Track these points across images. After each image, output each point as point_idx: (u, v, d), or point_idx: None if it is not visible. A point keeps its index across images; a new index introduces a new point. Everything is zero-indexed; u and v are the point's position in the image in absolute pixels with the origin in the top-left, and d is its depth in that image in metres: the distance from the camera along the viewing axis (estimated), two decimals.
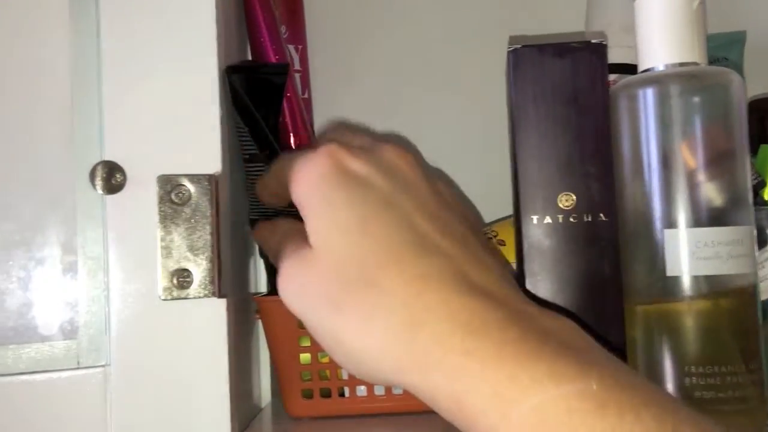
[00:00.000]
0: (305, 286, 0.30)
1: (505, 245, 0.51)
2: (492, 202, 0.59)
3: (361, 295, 0.28)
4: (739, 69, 0.59)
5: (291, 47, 0.61)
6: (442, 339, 0.26)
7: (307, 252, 0.30)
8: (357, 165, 0.31)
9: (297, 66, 0.62)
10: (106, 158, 0.37)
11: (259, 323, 0.56)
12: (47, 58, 0.38)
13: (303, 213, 0.31)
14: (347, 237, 0.29)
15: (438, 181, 0.33)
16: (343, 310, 0.28)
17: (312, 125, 0.62)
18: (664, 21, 0.41)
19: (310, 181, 0.30)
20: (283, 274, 0.31)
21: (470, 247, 0.30)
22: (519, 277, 0.44)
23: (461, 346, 0.26)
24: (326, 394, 0.49)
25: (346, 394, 0.49)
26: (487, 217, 0.59)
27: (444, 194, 0.33)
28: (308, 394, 0.50)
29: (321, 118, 0.63)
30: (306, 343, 0.49)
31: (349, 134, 0.34)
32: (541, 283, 0.42)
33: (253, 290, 0.56)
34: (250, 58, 0.56)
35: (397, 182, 0.31)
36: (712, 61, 0.57)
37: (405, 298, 0.28)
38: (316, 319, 0.29)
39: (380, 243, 0.29)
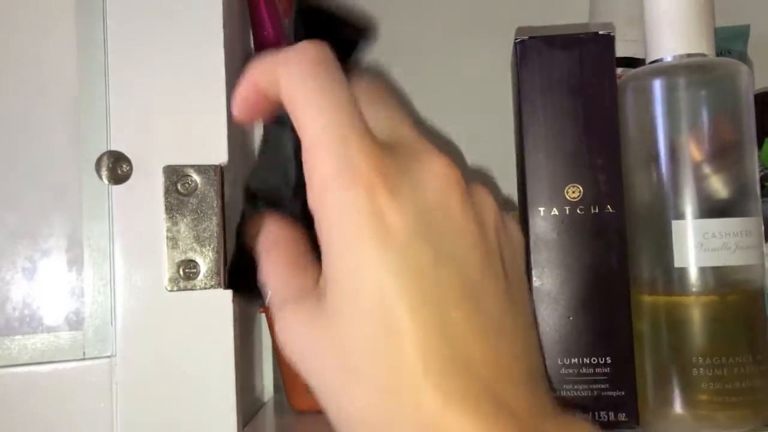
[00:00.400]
0: (307, 346, 0.26)
1: None
2: (497, 195, 0.58)
3: (369, 391, 0.25)
4: (743, 62, 0.59)
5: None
6: None
7: (314, 309, 0.26)
8: (397, 216, 0.25)
9: None
10: (112, 148, 0.37)
11: (263, 317, 0.56)
12: (53, 48, 0.38)
13: (322, 241, 0.26)
14: (370, 318, 0.25)
15: (483, 206, 0.28)
16: (346, 393, 0.25)
17: None
18: (672, 12, 0.41)
19: (338, 214, 0.25)
20: (283, 320, 0.27)
21: (504, 345, 0.26)
22: (526, 269, 0.44)
23: None
24: None
25: None
26: None
27: (490, 230, 0.28)
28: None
29: None
30: None
31: (382, 108, 0.28)
32: (548, 275, 0.42)
33: None
34: (253, 52, 0.55)
35: (441, 243, 0.26)
36: (717, 54, 0.57)
37: (426, 406, 0.24)
38: (312, 376, 0.26)
39: (407, 335, 0.24)
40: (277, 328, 0.27)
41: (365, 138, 0.25)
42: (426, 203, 0.26)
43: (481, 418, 0.24)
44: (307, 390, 0.48)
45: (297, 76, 0.25)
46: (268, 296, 0.29)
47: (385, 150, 0.26)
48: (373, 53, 0.64)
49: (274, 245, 0.29)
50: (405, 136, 0.28)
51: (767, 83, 0.59)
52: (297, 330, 0.27)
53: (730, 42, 0.59)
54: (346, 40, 0.31)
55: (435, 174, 0.26)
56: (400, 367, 0.24)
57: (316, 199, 0.26)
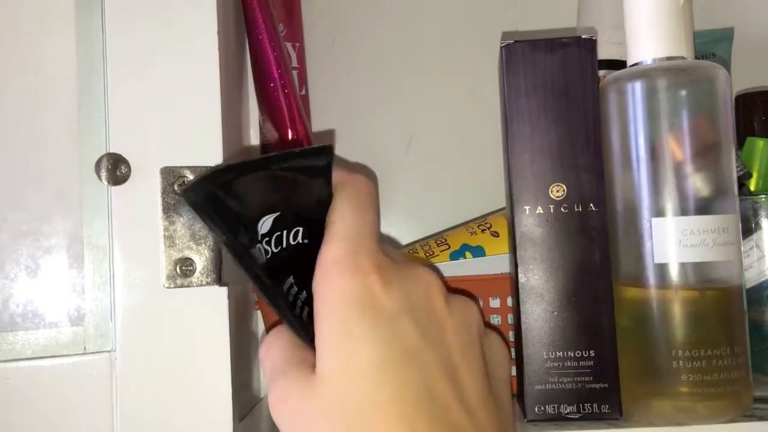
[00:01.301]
0: (301, 415, 0.28)
1: (498, 236, 0.52)
2: (486, 194, 0.60)
3: None
4: (726, 65, 0.60)
5: (289, 45, 0.63)
6: None
7: (310, 377, 0.29)
8: (388, 298, 0.29)
9: (295, 63, 0.63)
10: (112, 150, 0.38)
11: (259, 315, 0.57)
12: (54, 53, 0.39)
13: (317, 320, 0.29)
14: (360, 380, 0.28)
15: (463, 312, 0.32)
16: None
17: (309, 121, 0.63)
18: (651, 16, 0.43)
19: (334, 296, 0.29)
20: (278, 390, 0.30)
21: (481, 414, 0.30)
22: (513, 265, 0.45)
23: None
24: None
25: None
26: (482, 209, 0.60)
27: (471, 330, 0.32)
28: None
29: (318, 114, 0.64)
30: None
31: (365, 216, 0.32)
32: (533, 271, 0.43)
33: None
34: (248, 56, 0.57)
35: (426, 328, 0.30)
36: (701, 57, 0.59)
37: None
38: None
39: (393, 400, 0.27)
40: (271, 394, 0.30)
41: (373, 243, 0.31)
42: (413, 297, 0.30)
43: None
44: None
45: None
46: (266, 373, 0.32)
47: (385, 255, 0.31)
48: (369, 58, 0.66)
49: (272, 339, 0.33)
50: (400, 254, 0.33)
51: (751, 85, 0.61)
52: (289, 395, 0.29)
53: (714, 45, 0.60)
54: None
55: (422, 279, 0.31)
56: (387, 426, 0.27)
57: (320, 280, 0.30)
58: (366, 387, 0.28)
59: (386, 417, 0.27)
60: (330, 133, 0.65)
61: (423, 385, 0.28)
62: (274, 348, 0.32)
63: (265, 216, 0.32)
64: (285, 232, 0.33)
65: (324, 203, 0.33)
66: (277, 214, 0.33)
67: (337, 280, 0.29)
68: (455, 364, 0.30)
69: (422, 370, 0.28)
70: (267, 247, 0.32)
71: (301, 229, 0.33)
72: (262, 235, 0.32)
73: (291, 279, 0.33)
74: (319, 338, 0.29)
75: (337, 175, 0.33)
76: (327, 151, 0.33)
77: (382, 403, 0.27)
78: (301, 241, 0.33)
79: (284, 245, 0.33)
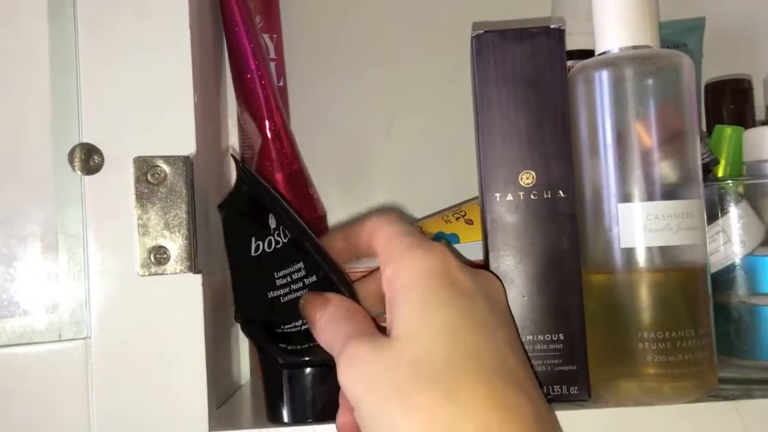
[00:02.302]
0: (373, 373, 0.30)
1: (473, 224, 0.53)
2: (464, 182, 0.61)
3: (437, 399, 0.29)
4: (698, 54, 0.61)
5: (266, 36, 0.63)
6: None
7: (381, 339, 0.31)
8: (463, 278, 0.32)
9: (272, 55, 0.63)
10: (84, 141, 0.39)
11: None
12: (26, 44, 0.39)
13: (395, 296, 0.32)
14: (436, 339, 0.30)
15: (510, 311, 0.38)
16: (412, 407, 0.29)
17: (288, 113, 0.63)
18: (618, 5, 0.44)
19: (416, 271, 0.32)
20: (349, 354, 0.31)
21: (540, 396, 0.33)
22: (484, 251, 0.46)
23: None
24: None
25: None
26: (460, 197, 0.61)
27: (515, 328, 0.37)
28: None
29: (296, 105, 0.65)
30: None
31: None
32: (504, 256, 0.44)
33: None
34: (225, 48, 0.57)
35: (495, 311, 0.33)
36: (672, 47, 0.60)
37: (486, 422, 0.28)
38: (375, 408, 0.29)
39: (469, 358, 0.30)
40: (341, 358, 0.31)
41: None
42: (482, 282, 0.34)
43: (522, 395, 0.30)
44: None
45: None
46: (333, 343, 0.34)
47: None
48: (347, 48, 0.66)
49: (323, 297, 0.36)
50: None
51: (722, 73, 0.62)
52: (360, 356, 0.31)
53: (686, 35, 0.61)
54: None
55: (490, 278, 0.37)
56: (463, 381, 0.29)
57: (399, 260, 0.33)
58: (442, 346, 0.30)
59: (462, 373, 0.29)
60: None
61: (494, 352, 0.31)
62: (338, 317, 0.34)
63: (269, 214, 0.40)
64: (284, 226, 0.40)
65: (275, 211, 0.40)
66: (270, 214, 0.40)
67: (419, 258, 0.32)
68: (517, 346, 0.33)
69: (493, 340, 0.31)
70: (278, 239, 0.40)
71: (282, 226, 0.40)
72: (273, 228, 0.40)
73: (300, 264, 0.39)
74: (397, 307, 0.31)
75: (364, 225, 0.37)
76: (245, 172, 0.41)
77: (458, 361, 0.30)
78: (290, 236, 0.40)
79: (287, 236, 0.40)
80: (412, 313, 0.31)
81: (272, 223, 0.40)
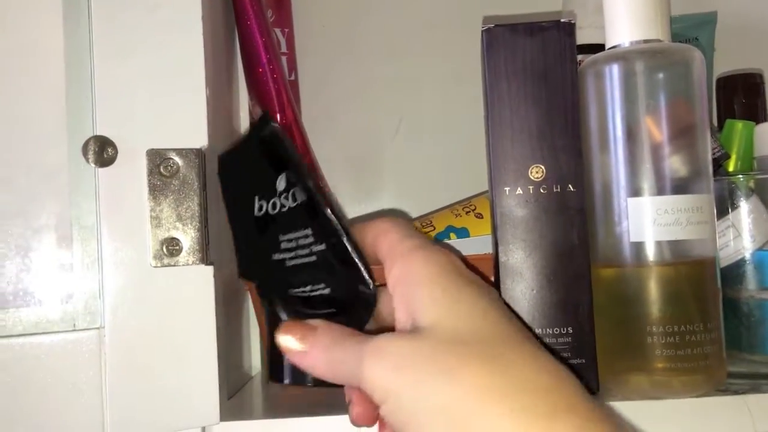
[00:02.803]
0: (410, 361, 0.30)
1: (482, 218, 0.53)
2: (472, 176, 0.61)
3: (486, 371, 0.30)
4: (710, 49, 0.61)
5: (278, 31, 0.63)
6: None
7: (407, 332, 0.32)
8: (467, 272, 0.34)
9: (284, 49, 0.64)
10: (98, 133, 0.39)
11: (249, 297, 0.58)
12: (41, 37, 0.40)
13: (411, 290, 0.33)
14: (470, 317, 0.31)
15: None
16: (461, 382, 0.29)
17: (299, 106, 0.64)
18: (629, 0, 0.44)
19: (429, 265, 0.33)
20: (379, 347, 0.31)
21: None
22: (494, 245, 0.46)
23: None
24: None
25: None
26: (469, 191, 0.61)
27: None
28: None
29: (307, 100, 0.65)
30: None
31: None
32: (514, 250, 0.44)
33: None
34: (237, 42, 0.58)
35: (494, 293, 0.35)
36: (684, 41, 0.59)
37: (536, 372, 0.30)
38: (417, 393, 0.30)
39: (501, 328, 0.32)
40: (369, 355, 0.31)
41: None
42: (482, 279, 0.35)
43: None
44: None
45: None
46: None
47: None
48: (357, 43, 0.66)
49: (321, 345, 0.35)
50: None
51: (733, 68, 0.61)
52: (391, 349, 0.31)
53: (698, 29, 0.61)
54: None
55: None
56: (504, 350, 0.31)
57: (410, 257, 0.34)
58: (477, 322, 0.31)
59: (503, 344, 0.31)
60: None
61: (518, 327, 0.32)
62: (336, 333, 0.34)
63: (279, 174, 0.38)
64: (294, 189, 0.38)
65: (293, 169, 0.38)
66: (283, 174, 0.38)
67: (429, 255, 0.33)
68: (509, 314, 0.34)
69: (512, 318, 0.33)
70: (284, 202, 0.38)
71: (297, 186, 0.38)
72: (280, 191, 0.38)
73: (308, 230, 0.38)
74: (418, 300, 0.32)
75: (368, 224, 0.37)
76: (267, 119, 0.39)
77: (495, 334, 0.31)
78: (303, 199, 0.38)
79: (299, 201, 0.38)
80: (437, 301, 0.32)
81: (280, 185, 0.39)
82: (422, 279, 0.33)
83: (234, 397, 0.49)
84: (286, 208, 0.38)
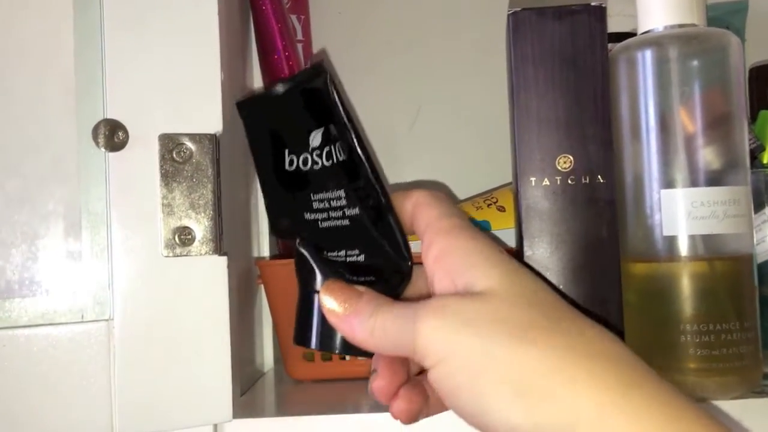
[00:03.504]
0: (472, 320, 0.29)
1: (504, 211, 0.52)
2: (493, 168, 0.59)
3: (556, 330, 0.29)
4: (741, 37, 0.59)
5: (294, 17, 0.62)
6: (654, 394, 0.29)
7: (468, 293, 0.31)
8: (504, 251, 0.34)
9: (300, 36, 0.62)
10: (109, 116, 0.38)
11: (262, 291, 0.56)
12: (51, 18, 0.38)
13: (461, 261, 0.32)
14: (529, 285, 0.31)
15: None
16: (534, 342, 0.29)
17: None
18: None
19: (475, 242, 0.32)
20: (444, 305, 0.30)
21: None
22: (518, 238, 0.44)
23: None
24: (327, 357, 0.50)
25: (347, 357, 0.50)
26: (489, 184, 0.59)
27: None
28: (310, 357, 0.50)
29: None
30: None
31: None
32: (539, 244, 0.42)
33: (255, 255, 0.56)
34: (252, 28, 0.56)
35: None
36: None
37: (602, 341, 0.30)
38: (485, 352, 0.29)
39: (558, 299, 0.31)
40: (431, 314, 0.30)
41: None
42: None
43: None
44: (305, 359, 0.49)
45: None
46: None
47: None
48: (374, 30, 0.65)
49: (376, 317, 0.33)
50: None
51: (766, 57, 0.59)
52: (458, 309, 0.30)
53: (729, 16, 0.59)
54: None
55: None
56: (565, 312, 0.31)
57: (457, 235, 0.33)
58: (536, 292, 0.31)
59: (564, 312, 0.31)
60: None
61: (554, 297, 0.32)
62: (371, 312, 0.32)
63: (316, 129, 0.36)
64: (332, 147, 0.35)
65: (340, 123, 0.35)
66: (322, 129, 0.36)
67: (475, 233, 0.33)
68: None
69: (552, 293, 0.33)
70: (317, 159, 0.36)
71: (338, 144, 0.35)
72: (313, 147, 0.36)
73: (341, 192, 0.35)
74: (472, 268, 0.31)
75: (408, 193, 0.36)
76: (321, 69, 0.35)
77: (555, 305, 0.31)
78: (341, 158, 0.35)
79: (335, 160, 0.35)
80: (496, 266, 0.31)
81: (315, 141, 0.36)
82: (472, 250, 0.32)
83: (246, 394, 0.47)
84: (319, 165, 0.36)
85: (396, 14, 0.65)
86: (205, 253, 0.38)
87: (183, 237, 0.38)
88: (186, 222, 0.38)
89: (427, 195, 0.35)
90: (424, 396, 0.33)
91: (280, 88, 0.36)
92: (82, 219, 0.38)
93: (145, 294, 0.38)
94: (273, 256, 0.57)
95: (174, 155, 0.38)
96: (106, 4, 0.38)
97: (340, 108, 0.35)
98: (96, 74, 0.38)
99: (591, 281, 0.42)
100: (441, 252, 0.32)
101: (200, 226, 0.38)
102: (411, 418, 0.33)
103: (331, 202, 0.36)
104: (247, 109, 0.37)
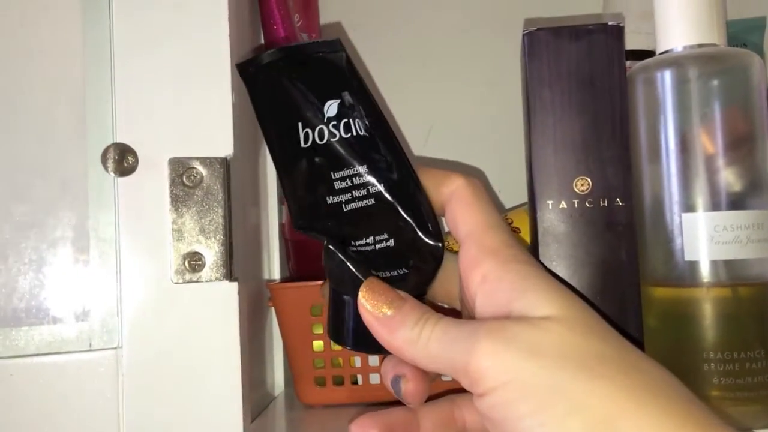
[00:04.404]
0: (538, 349, 0.28)
1: (519, 232, 0.51)
2: (507, 189, 0.58)
3: (622, 366, 0.29)
4: (759, 54, 0.58)
5: (305, 35, 0.61)
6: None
7: (530, 319, 0.30)
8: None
9: None
10: (118, 140, 0.37)
11: (273, 312, 0.56)
12: (60, 41, 0.38)
13: (519, 282, 0.31)
14: (591, 317, 0.30)
15: None
16: (603, 377, 0.28)
17: None
18: (682, 1, 0.41)
19: (531, 266, 0.31)
20: (505, 329, 0.29)
21: None
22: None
23: None
24: (339, 381, 0.49)
25: (359, 381, 0.49)
26: (503, 205, 0.59)
27: None
28: (321, 382, 0.49)
29: None
30: (319, 330, 0.48)
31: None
32: (557, 268, 0.41)
33: (266, 277, 0.56)
34: (264, 47, 0.56)
35: None
36: (733, 46, 0.56)
37: (667, 379, 0.29)
38: (552, 381, 0.28)
39: (615, 333, 0.30)
40: (493, 337, 0.29)
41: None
42: None
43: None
44: (316, 383, 0.48)
45: (469, 191, 0.33)
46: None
47: None
48: (386, 48, 0.64)
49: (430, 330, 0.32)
50: None
51: None
52: (525, 335, 0.29)
53: (747, 34, 0.58)
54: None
55: None
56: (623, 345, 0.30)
57: (496, 254, 0.32)
58: (598, 323, 0.30)
59: (625, 347, 0.30)
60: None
61: (604, 328, 0.31)
62: (439, 332, 0.31)
63: (329, 100, 0.34)
64: (350, 119, 0.34)
65: (357, 92, 0.33)
66: (339, 99, 0.34)
67: (527, 257, 0.32)
68: None
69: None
70: (333, 131, 0.34)
71: (355, 115, 0.34)
72: (329, 118, 0.34)
73: (364, 168, 0.34)
74: (533, 292, 0.30)
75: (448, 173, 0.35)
76: (334, 40, 0.34)
77: (616, 337, 0.30)
78: (360, 132, 0.34)
79: (354, 132, 0.34)
80: (558, 294, 0.30)
81: (330, 111, 0.34)
82: (528, 274, 0.31)
83: (257, 420, 0.46)
84: (336, 138, 0.34)
85: (409, 32, 0.64)
86: (216, 279, 0.38)
87: (193, 263, 0.37)
88: (196, 247, 0.37)
89: (468, 188, 0.34)
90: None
91: (287, 52, 0.34)
92: (91, 245, 0.37)
93: (155, 321, 0.37)
94: (284, 279, 0.56)
95: (184, 179, 0.37)
96: (116, 28, 0.38)
97: (357, 76, 0.33)
98: (105, 98, 0.37)
99: (610, 306, 0.41)
100: (490, 273, 0.31)
101: (211, 252, 0.37)
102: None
103: (354, 179, 0.34)
104: (252, 72, 0.34)
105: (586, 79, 0.42)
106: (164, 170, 0.37)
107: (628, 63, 0.48)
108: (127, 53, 0.38)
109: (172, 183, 0.37)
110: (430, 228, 0.33)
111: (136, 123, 0.37)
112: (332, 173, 0.34)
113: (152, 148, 0.37)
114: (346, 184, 0.34)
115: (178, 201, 0.37)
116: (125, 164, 0.37)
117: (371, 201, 0.34)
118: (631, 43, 0.55)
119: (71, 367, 0.36)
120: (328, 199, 0.34)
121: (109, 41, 0.38)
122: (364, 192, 0.34)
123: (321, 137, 0.34)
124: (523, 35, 0.43)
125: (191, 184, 0.37)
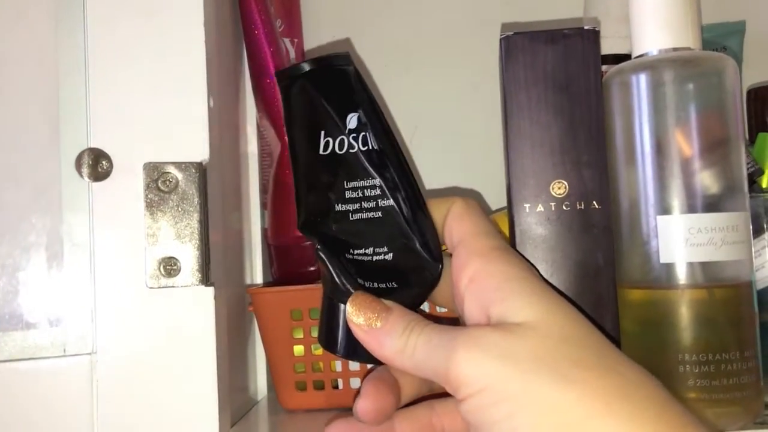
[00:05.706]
0: (514, 355, 0.29)
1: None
2: (489, 192, 0.58)
3: (596, 370, 0.29)
4: (738, 58, 0.58)
5: (287, 41, 0.61)
6: None
7: (506, 326, 0.30)
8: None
9: (293, 59, 0.62)
10: (93, 145, 0.37)
11: (254, 317, 0.55)
12: (34, 47, 0.38)
13: (501, 286, 0.31)
14: (569, 322, 0.31)
15: None
16: (574, 381, 0.28)
17: None
18: (657, 5, 0.41)
19: (515, 268, 0.32)
20: (478, 337, 0.30)
21: None
22: None
23: None
24: (320, 386, 0.49)
25: (340, 386, 0.49)
26: (486, 208, 0.59)
27: None
28: (302, 387, 0.49)
29: None
30: (299, 335, 0.48)
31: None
32: None
33: (248, 282, 0.55)
34: (245, 51, 0.56)
35: None
36: (712, 50, 0.57)
37: (644, 381, 0.30)
38: (524, 388, 0.28)
39: (598, 335, 0.31)
40: (467, 345, 0.30)
41: None
42: None
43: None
44: (297, 388, 0.48)
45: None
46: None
47: None
48: (369, 53, 0.64)
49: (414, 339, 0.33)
50: None
51: (763, 78, 0.59)
52: (493, 342, 0.30)
53: (726, 38, 0.58)
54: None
55: None
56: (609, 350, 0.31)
57: (495, 259, 0.33)
58: (575, 328, 0.31)
59: (604, 350, 0.30)
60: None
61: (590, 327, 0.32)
62: (423, 341, 0.32)
63: (350, 113, 0.35)
64: (368, 134, 0.35)
65: (370, 109, 0.35)
66: (359, 112, 0.35)
67: (512, 258, 0.33)
68: None
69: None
70: (353, 142, 0.35)
71: (369, 130, 0.35)
72: (350, 129, 0.35)
73: (378, 181, 0.35)
74: (513, 297, 0.31)
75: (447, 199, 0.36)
76: (347, 55, 0.35)
77: (601, 341, 0.31)
78: (374, 146, 0.35)
79: (370, 146, 0.35)
80: (536, 299, 0.31)
81: (351, 123, 0.35)
82: (510, 276, 0.32)
83: (237, 424, 0.46)
84: (355, 149, 0.35)
85: (390, 37, 0.65)
86: (192, 284, 0.37)
87: (168, 267, 0.37)
88: (172, 252, 0.37)
89: (462, 205, 0.35)
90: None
91: (317, 65, 0.35)
92: (65, 250, 0.37)
93: (130, 327, 0.37)
94: (266, 284, 0.56)
95: (159, 184, 0.37)
96: (90, 32, 0.38)
97: (368, 91, 0.34)
98: (79, 103, 0.37)
99: (587, 308, 0.41)
100: (476, 275, 0.32)
101: (186, 257, 0.37)
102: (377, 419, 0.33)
103: (365, 191, 0.35)
104: (287, 80, 0.35)
105: (563, 83, 0.42)
106: (139, 175, 0.37)
107: (607, 68, 0.48)
108: (101, 58, 0.38)
109: (147, 188, 0.37)
110: (431, 248, 0.34)
111: (111, 128, 0.37)
112: (345, 182, 0.36)
113: (127, 153, 0.37)
114: (357, 194, 0.35)
115: (153, 206, 0.37)
116: (99, 169, 0.37)
117: (378, 214, 0.35)
118: (612, 47, 0.56)
119: (45, 372, 0.36)
120: (337, 206, 0.36)
121: (84, 47, 0.38)
122: (372, 204, 0.35)
123: (341, 147, 0.35)
124: (501, 39, 0.43)
125: (166, 189, 0.37)
